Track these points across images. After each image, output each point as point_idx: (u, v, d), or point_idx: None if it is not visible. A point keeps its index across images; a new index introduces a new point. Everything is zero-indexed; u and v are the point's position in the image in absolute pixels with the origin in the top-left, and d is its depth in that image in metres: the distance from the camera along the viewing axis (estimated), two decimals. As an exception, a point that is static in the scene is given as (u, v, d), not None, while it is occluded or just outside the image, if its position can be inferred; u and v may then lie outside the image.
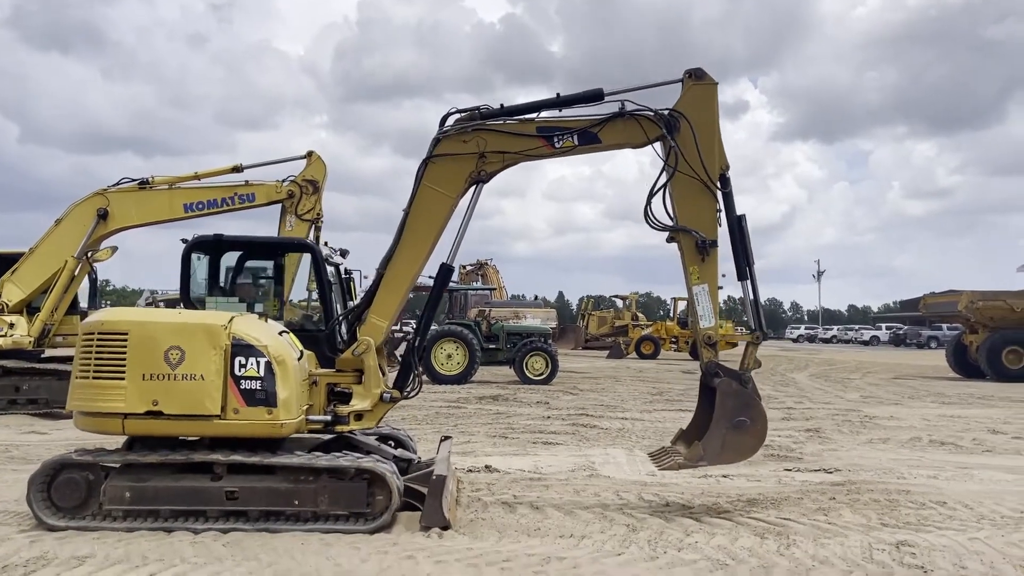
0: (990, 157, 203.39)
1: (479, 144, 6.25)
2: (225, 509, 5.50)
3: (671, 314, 36.22)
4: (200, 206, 12.74)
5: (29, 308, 12.96)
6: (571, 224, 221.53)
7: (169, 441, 5.77)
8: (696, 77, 6.26)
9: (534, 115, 6.35)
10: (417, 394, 6.49)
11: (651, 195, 6.27)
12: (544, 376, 19.01)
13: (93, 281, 14.64)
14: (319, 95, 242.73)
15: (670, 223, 6.28)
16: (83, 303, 14.27)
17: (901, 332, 59.35)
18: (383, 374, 6.31)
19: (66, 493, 5.52)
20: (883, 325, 68.96)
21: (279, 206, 12.88)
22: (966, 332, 24.41)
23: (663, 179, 6.26)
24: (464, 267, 38.68)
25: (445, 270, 6.39)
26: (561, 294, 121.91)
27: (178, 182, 12.88)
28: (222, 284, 7.12)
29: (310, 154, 13.05)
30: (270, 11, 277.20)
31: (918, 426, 11.98)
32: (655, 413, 13.37)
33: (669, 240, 6.32)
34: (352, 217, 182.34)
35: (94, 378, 5.49)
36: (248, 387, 5.50)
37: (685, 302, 35.07)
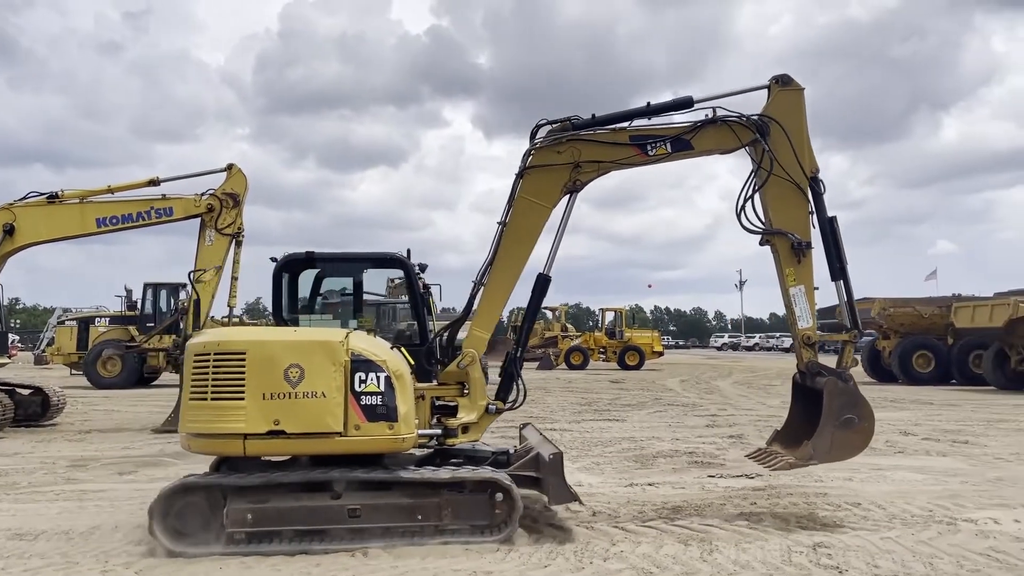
0: (898, 170, 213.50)
1: (573, 154, 6.33)
2: (348, 527, 5.41)
3: (599, 325, 36.58)
4: (114, 220, 12.36)
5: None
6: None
7: (259, 460, 5.71)
8: (783, 83, 6.43)
9: (626, 124, 6.41)
10: (521, 405, 6.46)
11: (744, 199, 6.37)
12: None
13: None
14: (240, 106, 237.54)
15: (762, 227, 6.37)
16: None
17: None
18: (486, 384, 6.32)
19: (189, 518, 5.32)
20: (802, 332, 71.16)
21: (199, 220, 12.57)
22: (879, 338, 25.38)
23: (755, 183, 6.35)
24: (392, 281, 38.30)
25: (543, 280, 6.48)
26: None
27: (90, 196, 12.45)
28: (313, 302, 7.07)
29: (230, 167, 12.80)
30: (188, 21, 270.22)
31: (835, 430, 12.33)
32: (584, 423, 13.46)
33: (762, 243, 6.41)
34: (276, 230, 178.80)
35: (212, 399, 5.32)
36: (369, 403, 5.42)
37: (613, 313, 35.64)
